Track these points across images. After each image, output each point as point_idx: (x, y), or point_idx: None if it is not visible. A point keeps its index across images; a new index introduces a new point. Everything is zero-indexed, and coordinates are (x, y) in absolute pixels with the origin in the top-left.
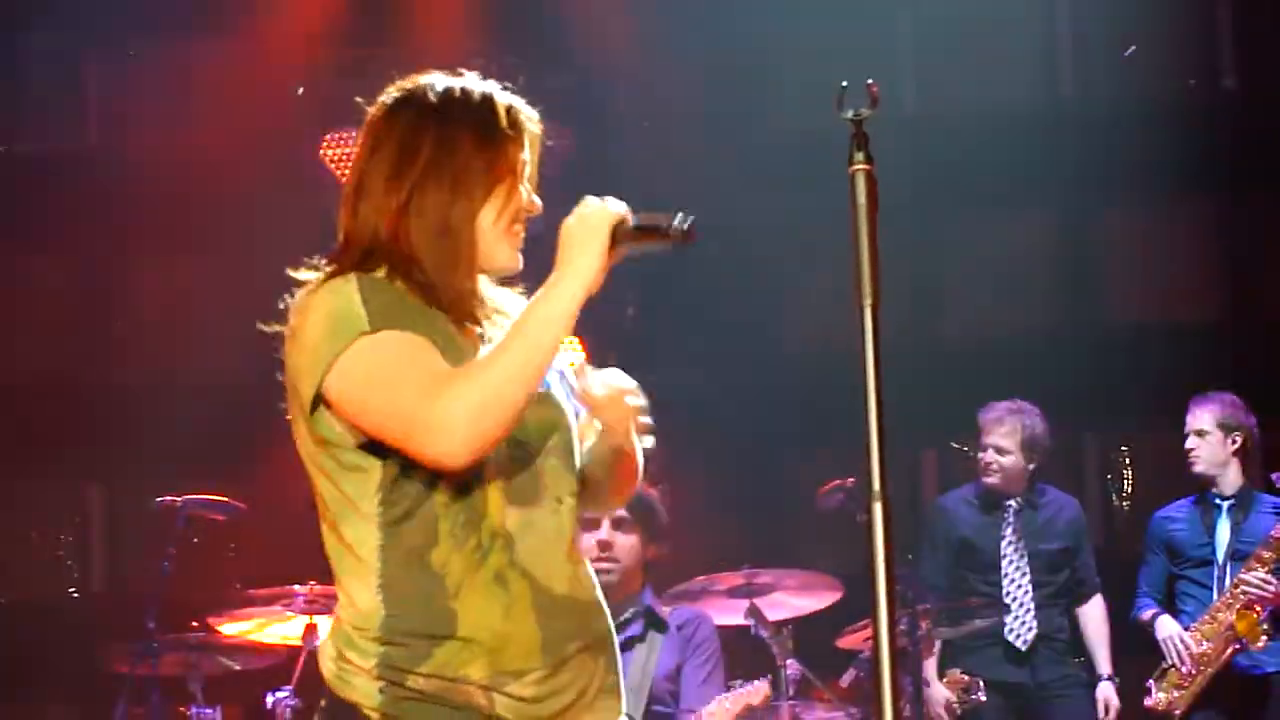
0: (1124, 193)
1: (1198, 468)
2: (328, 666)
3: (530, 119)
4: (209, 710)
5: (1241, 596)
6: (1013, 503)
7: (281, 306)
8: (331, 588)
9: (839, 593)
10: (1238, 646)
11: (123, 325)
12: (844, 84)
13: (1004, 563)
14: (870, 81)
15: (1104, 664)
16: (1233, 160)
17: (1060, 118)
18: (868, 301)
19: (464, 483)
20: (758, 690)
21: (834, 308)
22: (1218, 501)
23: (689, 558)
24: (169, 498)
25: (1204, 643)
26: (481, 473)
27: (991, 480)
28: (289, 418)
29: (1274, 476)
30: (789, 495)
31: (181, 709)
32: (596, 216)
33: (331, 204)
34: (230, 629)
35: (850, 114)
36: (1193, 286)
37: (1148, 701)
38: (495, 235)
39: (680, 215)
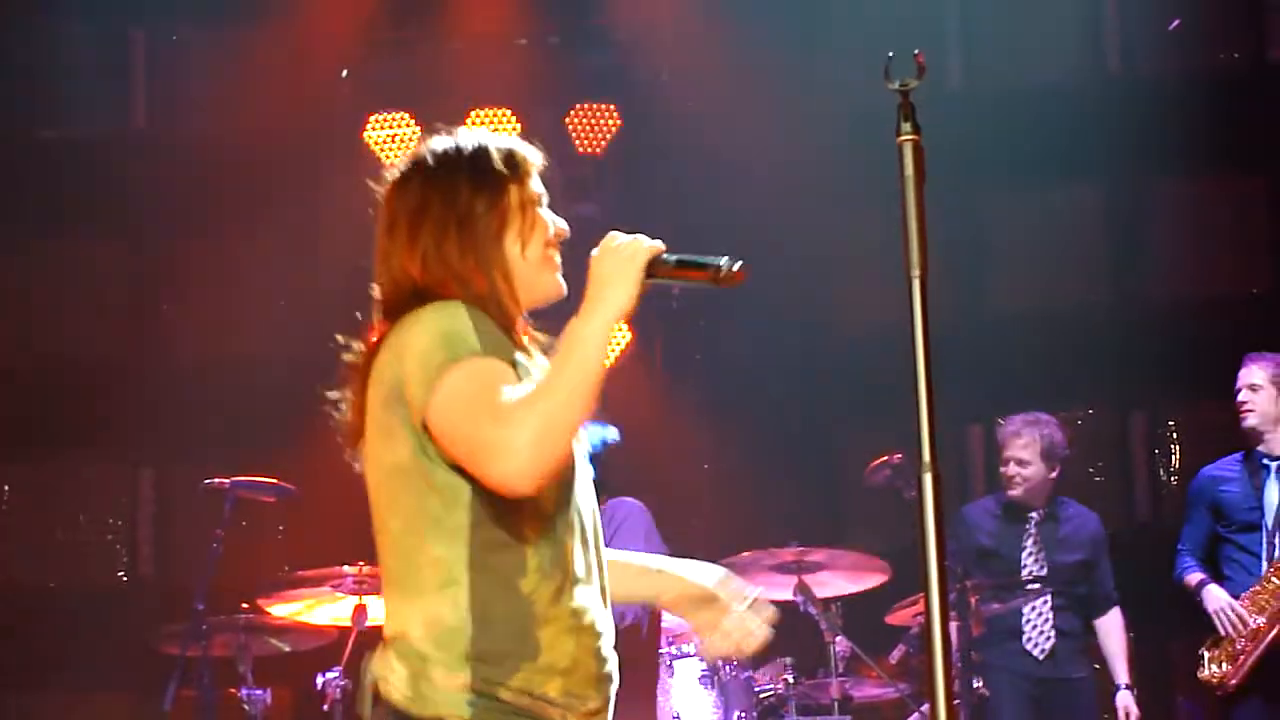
0: (1170, 167)
1: (1250, 421)
2: (397, 690)
3: (529, 153)
4: (259, 692)
5: None
6: (1035, 514)
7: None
8: (379, 567)
9: (885, 576)
10: None
11: (171, 308)
12: (890, 54)
13: (1023, 573)
14: (917, 52)
15: (1122, 674)
16: (1278, 133)
17: (1106, 92)
18: (916, 273)
19: (550, 525)
20: None
21: (883, 279)
22: (1265, 462)
23: (737, 532)
24: (217, 480)
25: (1257, 616)
26: (564, 520)
27: (1015, 492)
28: (360, 429)
29: None
30: (837, 471)
31: (231, 691)
32: (630, 251)
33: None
34: (280, 610)
35: (897, 85)
36: (1239, 260)
37: (1201, 674)
38: (530, 267)
39: (727, 259)
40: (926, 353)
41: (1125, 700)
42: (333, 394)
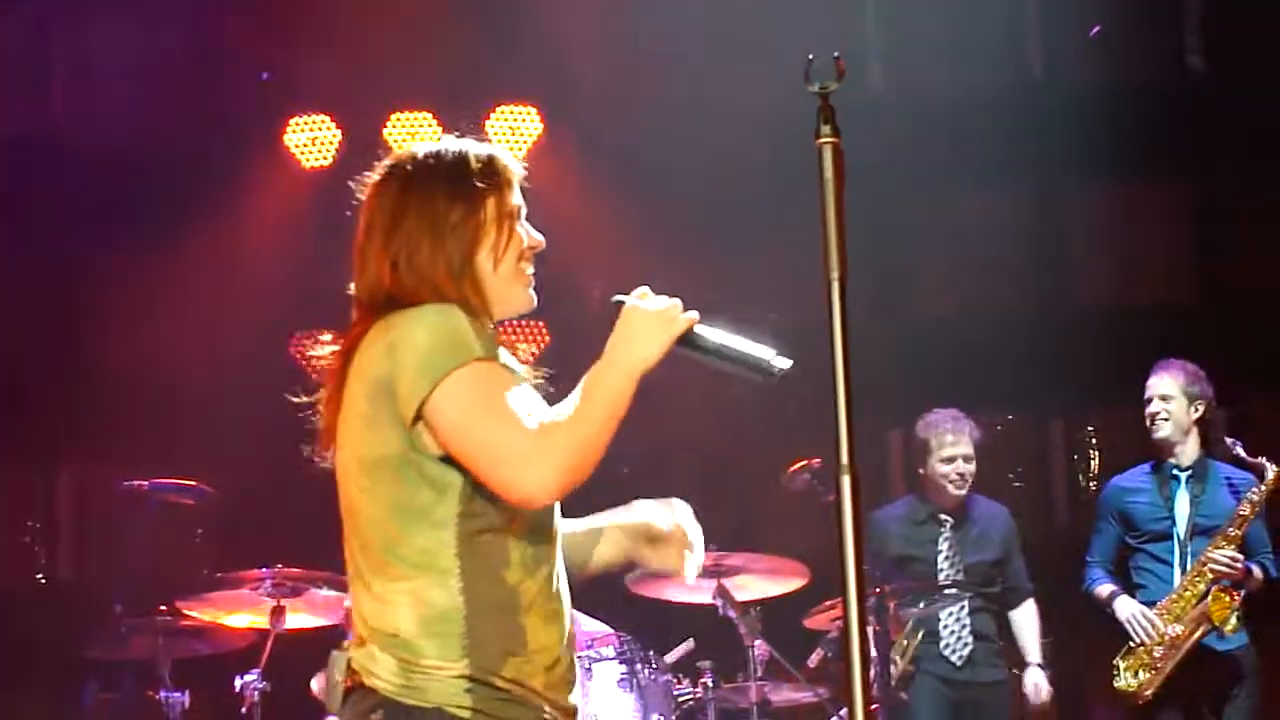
0: (1092, 173)
1: (1161, 434)
2: (386, 681)
3: (510, 164)
4: (177, 694)
5: (1209, 575)
6: (948, 518)
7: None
8: (299, 571)
9: (805, 579)
10: (1208, 628)
11: (90, 309)
12: (811, 57)
13: (940, 577)
14: (837, 55)
15: (1033, 653)
16: (1199, 140)
17: (1028, 98)
18: (835, 275)
19: (534, 524)
20: None
21: (802, 281)
22: (1175, 473)
23: None
24: (136, 482)
25: (1174, 625)
26: (546, 521)
27: (963, 492)
28: (334, 428)
29: (1230, 441)
30: (754, 476)
31: (150, 693)
32: (667, 317)
33: (294, 189)
34: (198, 613)
35: (817, 87)
36: (1160, 267)
37: (1117, 684)
38: (501, 280)
39: (773, 356)
40: (845, 355)
41: (1035, 676)
42: (308, 398)
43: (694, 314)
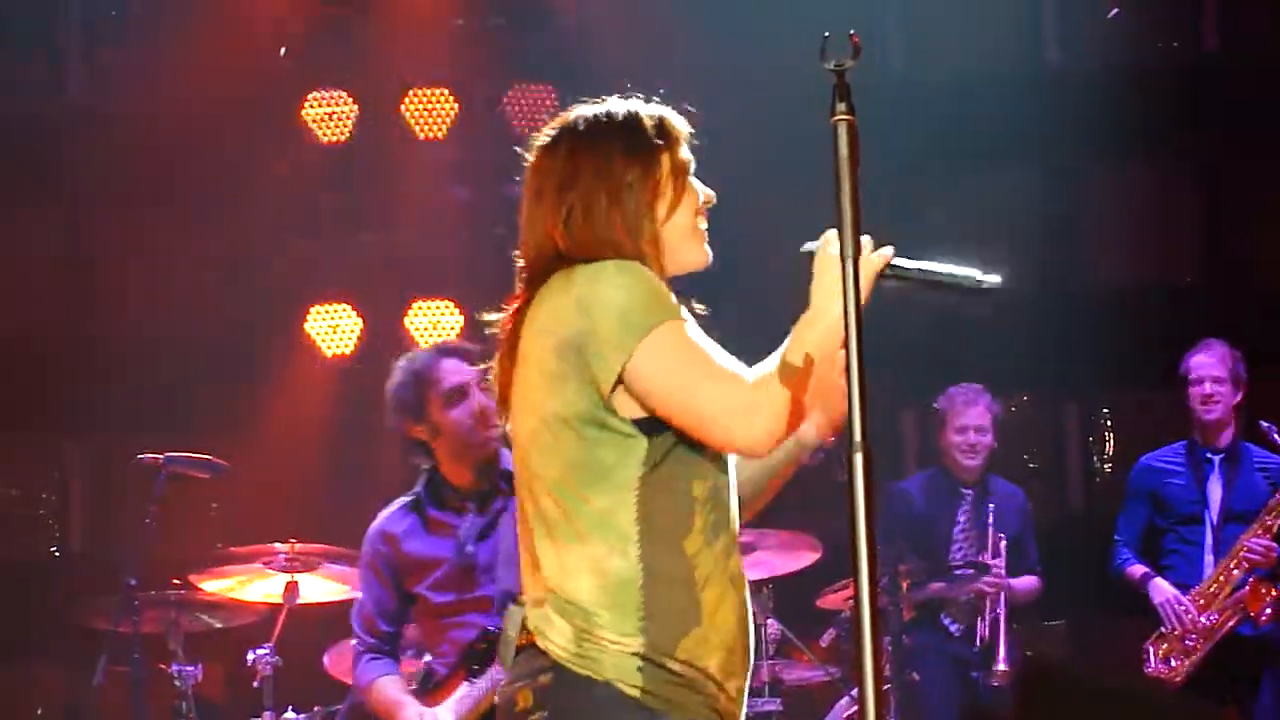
0: (1107, 155)
1: (1213, 415)
2: (560, 647)
3: (678, 121)
4: (190, 668)
5: (1245, 563)
6: (968, 491)
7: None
8: (312, 545)
9: (817, 553)
10: (1243, 618)
11: (105, 282)
12: (826, 34)
13: (953, 549)
14: (852, 32)
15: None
16: (1215, 123)
17: (1044, 80)
18: (849, 254)
19: (716, 487)
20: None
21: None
22: (1209, 456)
23: None
24: (150, 455)
25: (1209, 613)
26: (726, 486)
27: (974, 462)
28: (508, 396)
29: (1266, 426)
30: None
31: (162, 666)
32: (861, 263)
33: (312, 164)
34: (211, 586)
35: (833, 64)
36: (1172, 249)
37: (1148, 669)
38: (679, 236)
39: (979, 273)
40: (859, 334)
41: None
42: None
43: (888, 250)
